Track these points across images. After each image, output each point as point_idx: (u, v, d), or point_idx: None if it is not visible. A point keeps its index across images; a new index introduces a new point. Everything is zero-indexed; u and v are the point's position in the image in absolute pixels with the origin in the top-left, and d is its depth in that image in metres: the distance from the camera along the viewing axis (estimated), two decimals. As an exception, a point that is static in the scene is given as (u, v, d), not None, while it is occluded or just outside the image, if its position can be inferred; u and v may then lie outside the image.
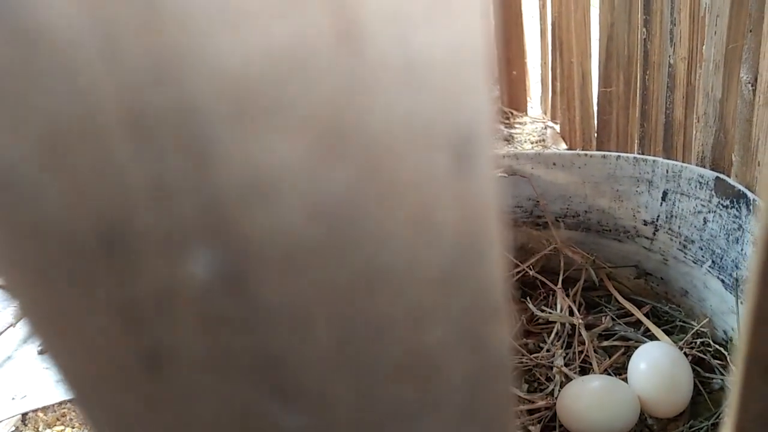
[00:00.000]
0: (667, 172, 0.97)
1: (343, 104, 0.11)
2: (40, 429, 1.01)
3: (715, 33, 0.89)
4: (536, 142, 1.80)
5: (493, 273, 0.14)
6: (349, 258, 0.12)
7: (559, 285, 1.01)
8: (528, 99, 1.99)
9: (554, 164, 1.07)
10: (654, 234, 1.01)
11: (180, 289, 0.12)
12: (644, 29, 1.14)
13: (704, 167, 0.96)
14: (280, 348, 0.13)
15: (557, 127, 1.77)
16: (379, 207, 0.12)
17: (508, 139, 1.84)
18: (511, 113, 1.96)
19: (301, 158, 0.11)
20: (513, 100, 1.98)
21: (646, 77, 1.16)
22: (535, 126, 1.89)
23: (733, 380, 0.18)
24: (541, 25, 1.79)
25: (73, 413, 1.03)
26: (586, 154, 1.04)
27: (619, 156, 1.02)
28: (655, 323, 0.96)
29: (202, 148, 0.11)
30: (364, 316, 0.13)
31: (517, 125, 1.91)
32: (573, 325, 0.96)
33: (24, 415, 1.04)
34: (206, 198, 0.11)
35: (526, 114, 1.96)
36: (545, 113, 1.90)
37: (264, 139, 0.11)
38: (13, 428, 1.02)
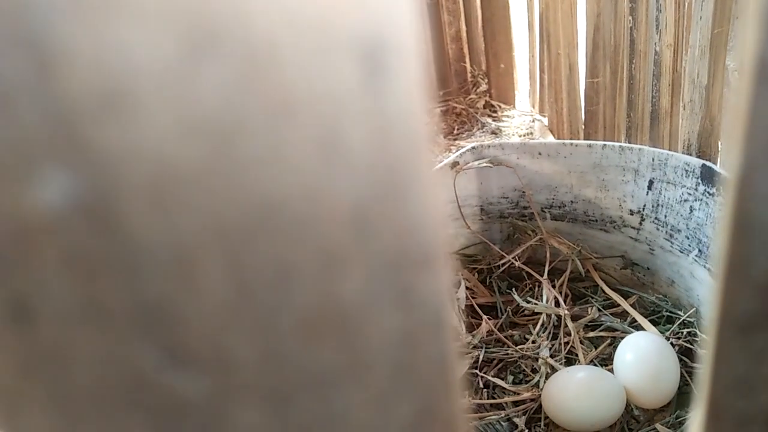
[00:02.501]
0: (653, 160, 0.95)
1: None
2: None
3: (701, 18, 0.88)
4: (524, 135, 1.79)
5: (420, 212, 0.12)
6: (238, 187, 0.10)
7: (545, 276, 1.00)
8: (516, 92, 1.97)
9: (540, 154, 1.05)
10: (640, 224, 0.99)
11: (34, 222, 0.10)
12: (630, 17, 1.13)
13: (690, 155, 0.95)
14: (164, 297, 0.11)
15: (545, 120, 1.76)
16: (269, 123, 0.10)
17: (496, 132, 1.82)
18: (499, 106, 1.95)
19: (163, 58, 0.09)
20: (501, 93, 1.97)
21: (633, 66, 1.15)
22: (523, 119, 1.87)
23: (704, 348, 0.17)
24: (528, 17, 1.78)
25: None
26: (571, 144, 1.03)
27: (604, 145, 1.00)
28: (641, 314, 0.95)
29: (42, 44, 0.09)
30: (262, 260, 0.11)
31: (504, 118, 1.89)
32: (559, 316, 0.95)
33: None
34: (53, 107, 0.09)
35: (514, 107, 1.95)
36: (533, 106, 1.88)
37: (115, 33, 0.09)
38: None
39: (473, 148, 1.08)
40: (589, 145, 1.01)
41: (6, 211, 0.10)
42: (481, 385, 0.89)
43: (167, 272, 0.11)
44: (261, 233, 0.11)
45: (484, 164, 1.09)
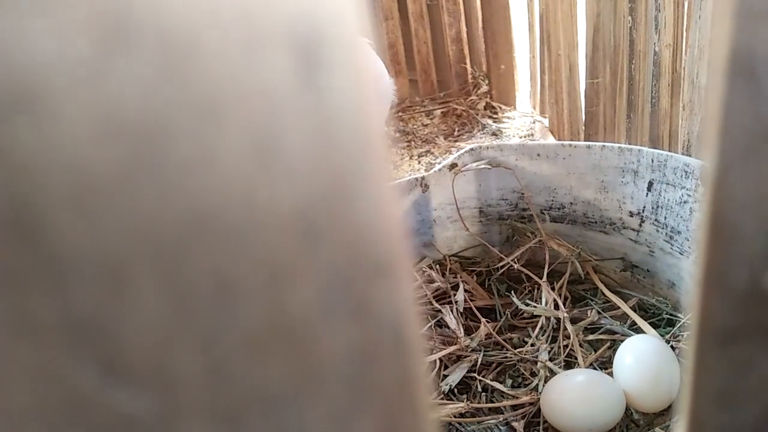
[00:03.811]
0: (653, 161, 0.94)
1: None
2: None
3: (700, 17, 0.87)
4: (525, 137, 1.78)
5: (373, 218, 0.11)
6: (165, 193, 0.10)
7: (544, 278, 0.99)
8: (516, 93, 1.96)
9: (538, 155, 1.05)
10: (640, 225, 0.98)
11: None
12: (630, 17, 1.12)
13: (690, 156, 0.94)
14: (97, 312, 0.10)
15: (546, 122, 1.75)
16: (195, 123, 0.10)
17: (497, 134, 1.82)
18: (500, 108, 1.94)
19: (72, 52, 0.09)
20: (501, 94, 1.96)
21: (632, 67, 1.14)
22: (524, 120, 1.87)
23: (685, 358, 0.16)
24: (528, 18, 1.77)
25: None
26: (570, 145, 1.02)
27: (603, 146, 0.99)
28: (641, 316, 0.94)
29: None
30: (200, 272, 0.11)
31: (505, 120, 1.89)
32: (558, 319, 0.94)
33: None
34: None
35: (515, 108, 1.94)
36: (534, 107, 1.88)
37: (15, 23, 0.08)
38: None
39: (472, 149, 1.07)
40: (588, 146, 1.01)
41: None
42: (480, 389, 0.88)
43: (97, 285, 0.10)
44: (195, 243, 0.10)
45: (483, 166, 1.08)
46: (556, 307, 0.95)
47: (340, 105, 0.10)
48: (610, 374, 0.84)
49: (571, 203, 1.04)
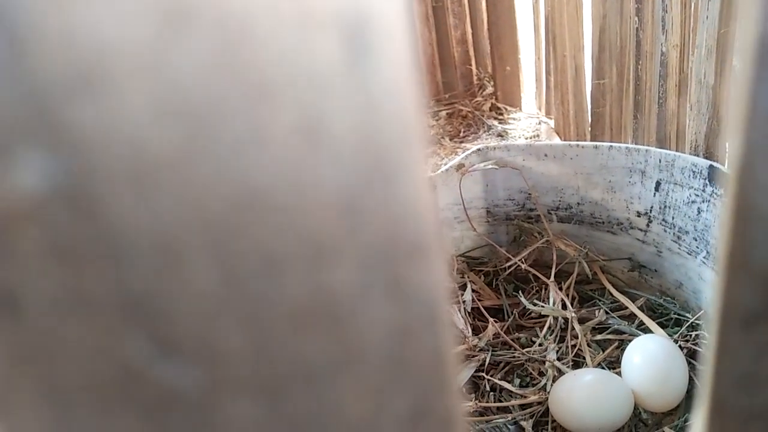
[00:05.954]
0: (660, 161, 0.94)
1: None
2: None
3: (707, 17, 0.87)
4: (530, 138, 1.78)
5: (411, 200, 0.12)
6: (218, 172, 0.10)
7: (552, 278, 0.99)
8: (522, 94, 1.97)
9: (546, 155, 1.05)
10: (647, 225, 0.99)
11: (14, 208, 0.10)
12: (636, 18, 1.12)
13: (698, 156, 0.94)
14: (149, 287, 0.11)
15: (552, 123, 1.75)
16: (247, 105, 0.10)
17: (502, 135, 1.82)
18: (505, 109, 1.94)
19: (135, 36, 0.09)
20: (507, 95, 1.96)
21: (639, 67, 1.14)
22: (530, 122, 1.87)
23: (707, 342, 0.16)
24: (534, 19, 1.77)
25: None
26: (577, 145, 1.02)
27: (611, 146, 0.99)
28: (649, 316, 0.94)
29: (10, 20, 0.09)
30: (248, 248, 0.11)
31: (510, 121, 1.89)
32: (566, 319, 0.94)
33: None
34: (25, 87, 0.09)
35: (520, 109, 1.95)
36: (539, 109, 1.88)
37: (86, 9, 0.09)
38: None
39: (479, 150, 1.07)
40: (596, 147, 1.01)
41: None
42: (488, 388, 0.89)
43: (151, 261, 0.11)
44: (245, 221, 0.11)
45: (490, 166, 1.08)
46: (564, 307, 0.96)
47: (383, 89, 0.11)
48: (619, 374, 0.84)
49: (578, 203, 1.04)
